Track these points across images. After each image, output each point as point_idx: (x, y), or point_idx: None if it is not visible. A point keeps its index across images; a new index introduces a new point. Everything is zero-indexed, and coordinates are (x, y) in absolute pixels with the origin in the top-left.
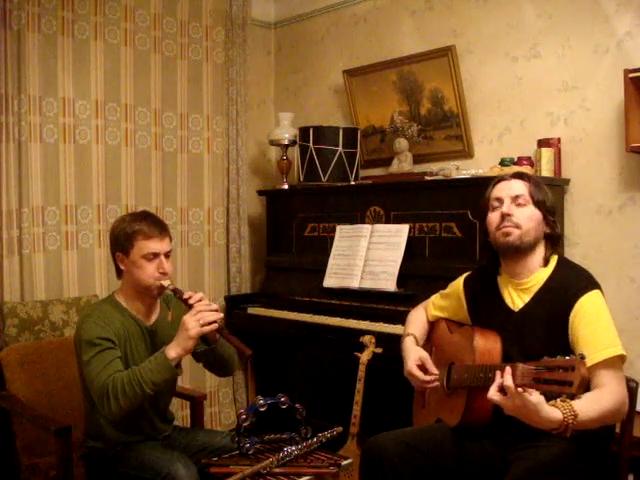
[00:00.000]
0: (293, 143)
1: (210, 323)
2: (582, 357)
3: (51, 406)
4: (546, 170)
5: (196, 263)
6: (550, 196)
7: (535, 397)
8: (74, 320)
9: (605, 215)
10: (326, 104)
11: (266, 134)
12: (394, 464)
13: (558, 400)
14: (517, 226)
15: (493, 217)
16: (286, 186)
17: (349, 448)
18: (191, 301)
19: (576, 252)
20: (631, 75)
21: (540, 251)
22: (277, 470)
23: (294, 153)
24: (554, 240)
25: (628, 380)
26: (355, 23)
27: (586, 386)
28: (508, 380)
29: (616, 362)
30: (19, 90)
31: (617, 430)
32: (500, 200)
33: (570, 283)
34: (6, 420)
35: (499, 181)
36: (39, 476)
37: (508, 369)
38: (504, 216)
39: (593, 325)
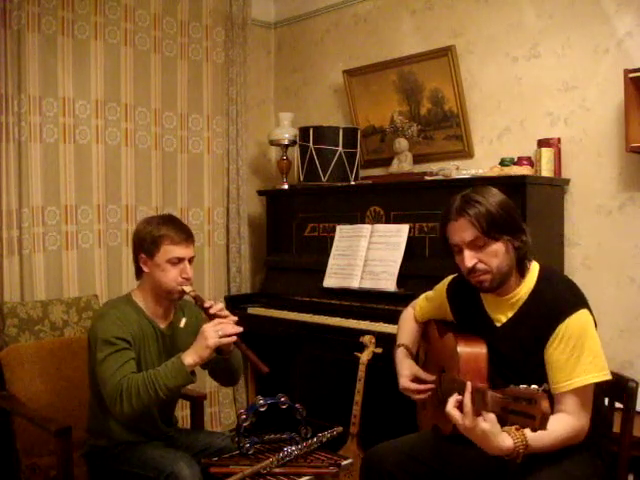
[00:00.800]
0: (293, 143)
1: (229, 335)
2: (545, 390)
3: (51, 406)
4: (546, 170)
5: (196, 263)
6: (502, 211)
7: (487, 424)
8: (74, 320)
9: (605, 215)
10: (326, 104)
11: (266, 134)
12: (394, 474)
13: (513, 428)
14: (486, 272)
15: (460, 262)
16: (286, 186)
17: (349, 448)
18: (212, 310)
19: (576, 252)
20: (631, 75)
21: (514, 270)
22: (277, 470)
23: (294, 153)
24: (523, 249)
25: (628, 380)
26: (355, 23)
27: (548, 420)
28: (466, 398)
29: (586, 389)
30: (19, 90)
31: (617, 430)
32: (458, 246)
33: (554, 303)
34: (6, 420)
35: (448, 221)
36: (39, 476)
37: (469, 387)
38: (469, 269)
39: (569, 353)
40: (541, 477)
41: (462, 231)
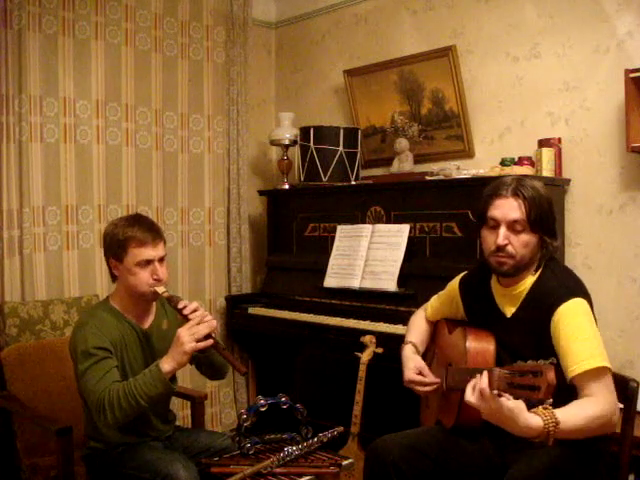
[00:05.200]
0: (294, 143)
1: (206, 336)
2: (552, 363)
3: (52, 406)
4: (547, 170)
5: (197, 263)
6: (549, 208)
7: (513, 402)
8: (75, 320)
9: (606, 215)
10: (327, 104)
11: (267, 134)
12: (399, 466)
13: (540, 407)
14: (511, 256)
15: (488, 238)
16: (287, 186)
17: (350, 448)
18: (186, 311)
19: (577, 252)
20: (632, 75)
21: (533, 265)
22: (278, 470)
23: (295, 153)
24: (550, 253)
25: (629, 380)
26: (356, 23)
27: (554, 392)
28: (483, 383)
29: (602, 372)
30: (20, 90)
31: (617, 430)
32: (496, 221)
33: (551, 291)
34: (7, 420)
35: (497, 195)
36: (40, 476)
37: (485, 373)
38: (499, 246)
39: (571, 336)
40: (541, 475)
41: (509, 209)
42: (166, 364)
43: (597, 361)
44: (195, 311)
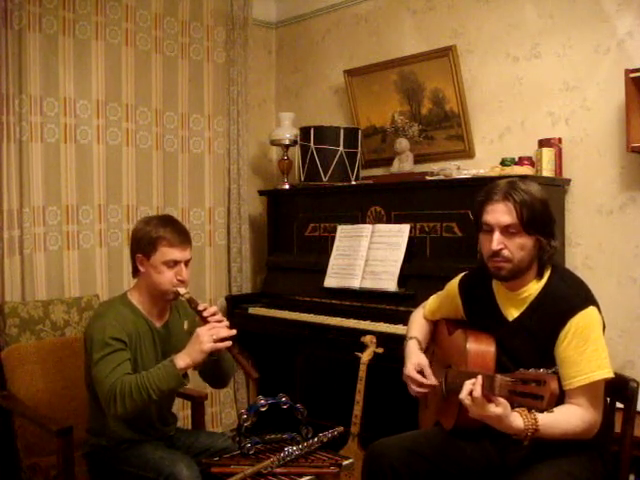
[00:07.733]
0: (294, 143)
1: (223, 339)
2: (554, 372)
3: (52, 406)
4: (547, 170)
5: (197, 263)
6: (543, 209)
7: (499, 409)
8: (75, 320)
9: (606, 215)
10: (327, 104)
11: (267, 134)
12: (396, 469)
13: (525, 409)
14: (508, 260)
15: (485, 243)
16: (287, 186)
17: (350, 448)
18: (205, 314)
19: (577, 252)
20: (632, 75)
21: (534, 268)
22: (278, 470)
23: (295, 153)
24: (548, 254)
25: (629, 380)
26: (356, 23)
27: (556, 401)
28: (477, 391)
29: (597, 385)
30: (20, 90)
31: (617, 430)
32: (490, 226)
33: (564, 298)
34: (7, 420)
35: (489, 200)
36: (40, 476)
37: (479, 380)
38: (494, 251)
39: (580, 348)
40: (541, 475)
41: (501, 214)
42: (181, 360)
43: (599, 374)
44: (214, 314)
